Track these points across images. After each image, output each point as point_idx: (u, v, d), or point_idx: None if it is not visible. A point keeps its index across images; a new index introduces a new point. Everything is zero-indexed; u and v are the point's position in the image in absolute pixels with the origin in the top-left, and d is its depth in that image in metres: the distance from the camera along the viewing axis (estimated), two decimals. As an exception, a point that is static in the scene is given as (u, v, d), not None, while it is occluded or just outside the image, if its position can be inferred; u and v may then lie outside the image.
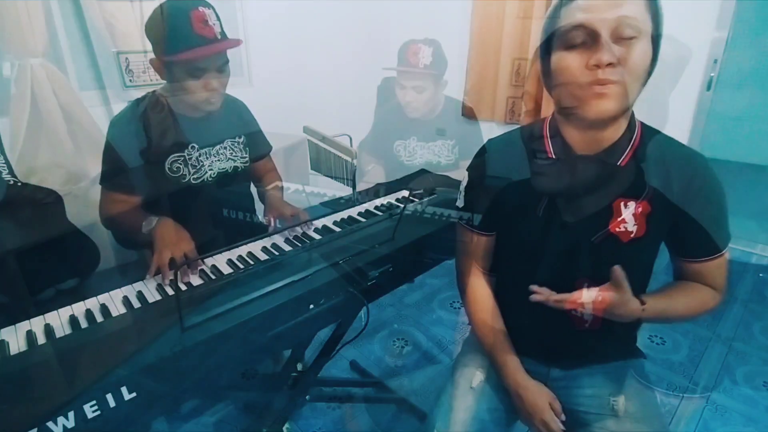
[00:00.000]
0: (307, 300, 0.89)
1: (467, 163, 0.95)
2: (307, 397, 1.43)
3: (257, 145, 1.34)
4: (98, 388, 0.66)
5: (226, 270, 0.97)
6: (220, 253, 1.03)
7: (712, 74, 2.09)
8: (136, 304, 0.86)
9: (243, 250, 1.05)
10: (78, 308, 0.85)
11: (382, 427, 1.46)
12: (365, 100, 2.01)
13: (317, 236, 1.12)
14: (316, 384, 1.56)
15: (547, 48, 0.73)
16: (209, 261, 1.01)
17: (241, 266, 0.99)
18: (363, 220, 1.19)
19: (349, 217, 1.21)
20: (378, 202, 1.30)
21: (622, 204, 0.77)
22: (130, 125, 1.12)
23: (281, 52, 2.47)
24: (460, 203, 0.95)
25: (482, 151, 0.92)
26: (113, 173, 1.12)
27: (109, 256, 1.40)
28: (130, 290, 0.90)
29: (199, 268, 0.98)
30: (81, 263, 1.35)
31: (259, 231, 1.16)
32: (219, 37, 1.07)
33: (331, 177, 1.88)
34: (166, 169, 1.14)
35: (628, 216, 0.77)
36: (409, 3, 2.61)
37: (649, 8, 0.67)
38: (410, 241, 1.06)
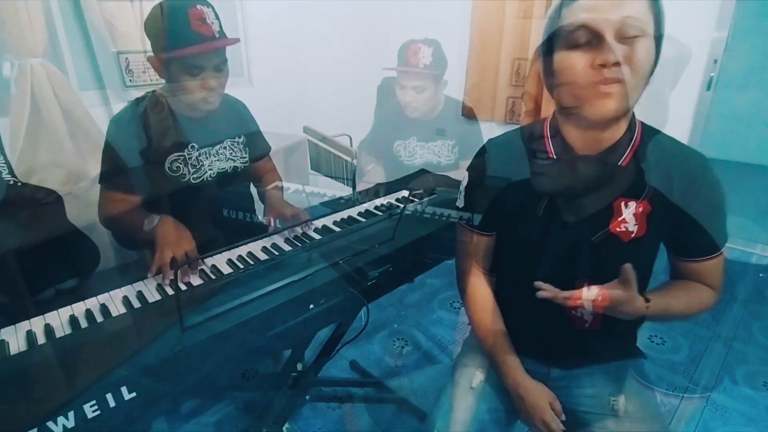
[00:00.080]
0: (307, 300, 0.89)
1: (467, 163, 0.95)
2: (307, 397, 1.44)
3: (257, 145, 1.34)
4: (98, 388, 0.66)
5: (226, 270, 0.97)
6: (220, 253, 1.03)
7: (712, 74, 2.09)
8: (136, 304, 0.86)
9: (243, 250, 1.05)
10: (78, 308, 0.85)
11: (382, 427, 1.46)
12: (365, 100, 2.01)
13: (317, 236, 1.12)
14: (316, 384, 1.56)
15: (548, 47, 0.73)
16: (209, 261, 1.01)
17: (241, 266, 0.99)
18: (363, 220, 1.19)
19: (349, 217, 1.21)
20: (378, 202, 1.30)
21: (622, 204, 0.77)
22: (130, 125, 1.12)
23: (281, 52, 2.47)
24: (460, 203, 0.95)
25: (482, 151, 0.92)
26: (113, 173, 1.12)
27: (109, 256, 1.40)
28: (130, 290, 0.90)
29: (199, 268, 0.98)
30: (81, 263, 1.35)
31: (259, 231, 1.16)
32: (217, 35, 1.07)
33: (331, 177, 1.88)
34: (166, 169, 1.14)
35: (629, 216, 0.77)
36: (409, 3, 2.61)
37: (651, 8, 0.67)
38: (410, 241, 1.06)
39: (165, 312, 0.84)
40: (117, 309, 0.85)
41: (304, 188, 1.71)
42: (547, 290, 0.74)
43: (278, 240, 1.10)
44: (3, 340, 0.76)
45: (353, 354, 1.75)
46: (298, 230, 1.13)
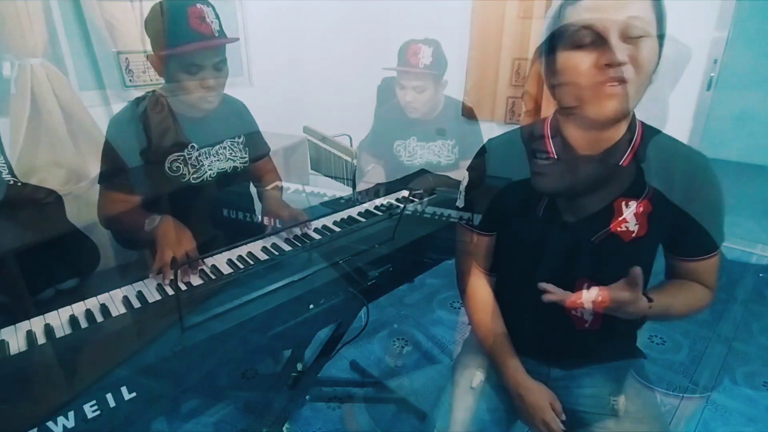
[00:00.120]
0: (307, 300, 0.89)
1: (467, 163, 0.95)
2: (307, 397, 1.44)
3: (256, 145, 1.34)
4: (98, 388, 0.66)
5: (226, 270, 0.97)
6: (220, 253, 1.03)
7: (712, 74, 2.09)
8: (136, 304, 0.86)
9: (243, 250, 1.05)
10: (78, 308, 0.85)
11: (382, 427, 1.46)
12: (365, 100, 2.01)
13: (317, 236, 1.12)
14: (316, 384, 1.56)
15: (551, 47, 0.73)
16: (209, 261, 1.01)
17: (241, 266, 0.99)
18: (363, 220, 1.19)
19: (349, 217, 1.21)
20: (378, 202, 1.30)
21: (623, 203, 0.77)
22: (130, 125, 1.12)
23: (281, 52, 2.47)
24: (460, 203, 0.95)
25: (482, 151, 0.92)
26: (112, 173, 1.12)
27: (109, 256, 1.40)
28: (130, 290, 0.90)
29: (199, 268, 0.98)
30: (81, 263, 1.35)
31: (259, 231, 1.16)
32: (216, 34, 1.07)
33: (331, 177, 1.88)
34: (166, 169, 1.14)
35: (630, 215, 0.77)
36: (409, 3, 2.61)
37: (654, 8, 0.67)
38: (410, 241, 1.06)
39: (165, 312, 0.84)
40: (117, 309, 0.85)
41: (304, 188, 1.71)
42: (553, 293, 0.73)
43: (278, 240, 1.10)
44: (3, 340, 0.76)
45: (353, 354, 1.75)
46: (298, 231, 1.13)
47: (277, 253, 1.04)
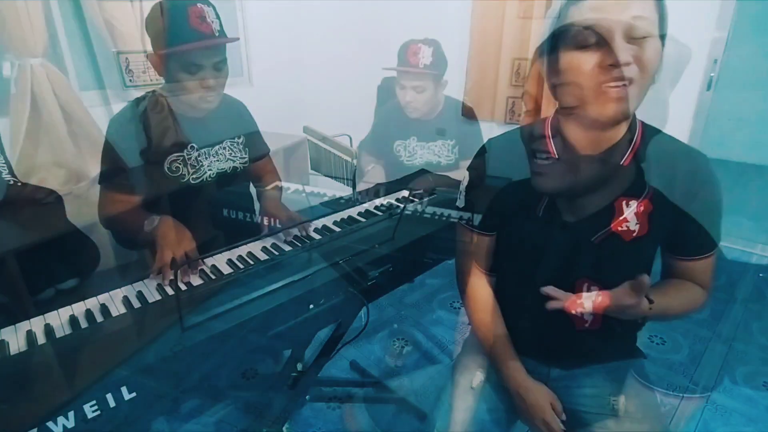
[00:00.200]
0: (306, 300, 0.89)
1: (467, 163, 0.95)
2: (307, 397, 1.44)
3: (256, 145, 1.34)
4: (98, 388, 0.66)
5: (226, 270, 0.97)
6: (220, 253, 1.03)
7: (712, 74, 2.09)
8: (136, 304, 0.86)
9: (243, 250, 1.05)
10: (78, 308, 0.85)
11: (382, 427, 1.46)
12: (365, 100, 2.01)
13: (317, 236, 1.12)
14: (316, 384, 1.56)
15: (552, 47, 0.72)
16: (209, 261, 1.01)
17: (241, 266, 0.99)
18: (363, 220, 1.19)
19: (349, 217, 1.21)
20: (378, 202, 1.30)
21: (623, 203, 0.77)
22: (130, 125, 1.12)
23: (281, 52, 2.48)
24: (460, 203, 0.94)
25: (483, 151, 0.92)
26: (112, 173, 1.12)
27: (109, 256, 1.40)
28: (130, 290, 0.90)
29: (199, 268, 0.98)
30: (81, 263, 1.35)
31: (258, 231, 1.16)
32: (216, 34, 1.07)
33: (331, 177, 1.89)
34: (166, 169, 1.14)
35: (630, 215, 0.77)
36: (409, 3, 2.61)
37: (657, 8, 0.67)
38: (410, 241, 1.06)
39: (165, 312, 0.84)
40: (117, 309, 0.85)
41: (304, 188, 1.71)
42: (557, 299, 0.73)
43: (278, 240, 1.10)
44: (3, 340, 0.76)
45: (353, 354, 1.75)
46: (297, 232, 1.13)
47: (277, 253, 1.04)
